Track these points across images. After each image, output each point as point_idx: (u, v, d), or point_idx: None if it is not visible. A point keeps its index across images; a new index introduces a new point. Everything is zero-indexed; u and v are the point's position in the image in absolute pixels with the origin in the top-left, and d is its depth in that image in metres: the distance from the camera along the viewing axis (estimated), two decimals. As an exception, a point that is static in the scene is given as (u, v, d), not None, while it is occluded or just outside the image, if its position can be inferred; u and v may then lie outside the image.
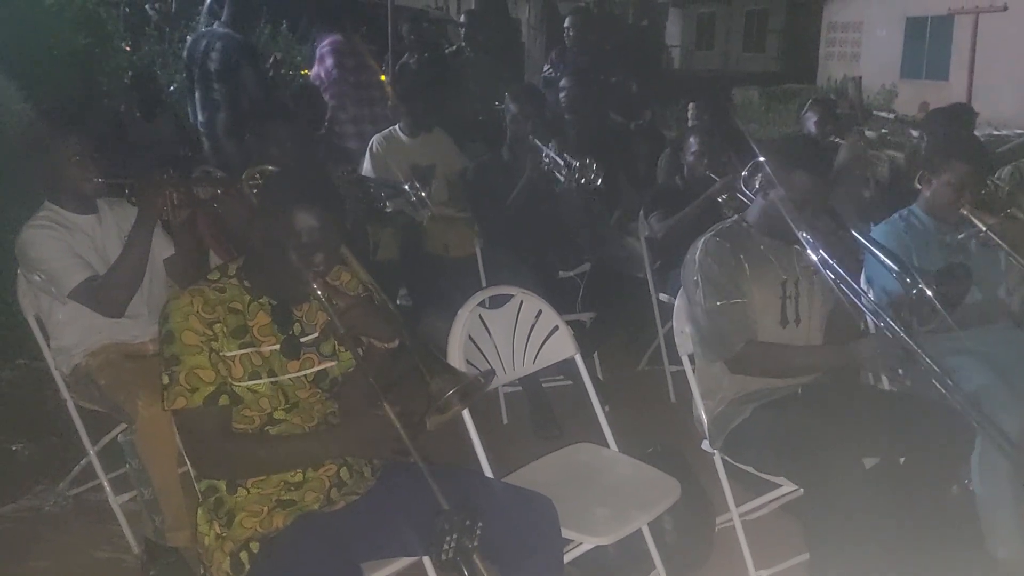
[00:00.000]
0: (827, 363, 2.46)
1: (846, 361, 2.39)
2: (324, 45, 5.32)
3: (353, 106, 5.22)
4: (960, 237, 2.82)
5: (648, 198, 3.97)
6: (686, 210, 3.67)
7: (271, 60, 5.69)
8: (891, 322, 2.11)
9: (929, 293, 2.23)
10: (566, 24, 5.94)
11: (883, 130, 9.75)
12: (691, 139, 3.89)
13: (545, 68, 6.18)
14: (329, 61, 5.23)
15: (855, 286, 2.25)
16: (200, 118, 4.87)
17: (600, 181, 3.58)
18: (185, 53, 5.10)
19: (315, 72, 5.38)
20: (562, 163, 3.59)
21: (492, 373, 2.07)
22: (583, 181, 3.58)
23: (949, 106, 4.50)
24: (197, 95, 4.86)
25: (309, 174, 2.04)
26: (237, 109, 4.70)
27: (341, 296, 1.88)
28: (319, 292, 1.78)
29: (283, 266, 1.80)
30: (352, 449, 1.88)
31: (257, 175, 2.84)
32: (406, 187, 3.47)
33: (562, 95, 4.76)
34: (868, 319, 2.73)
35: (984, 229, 2.71)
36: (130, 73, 6.20)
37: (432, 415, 1.78)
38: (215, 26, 4.85)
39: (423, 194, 3.47)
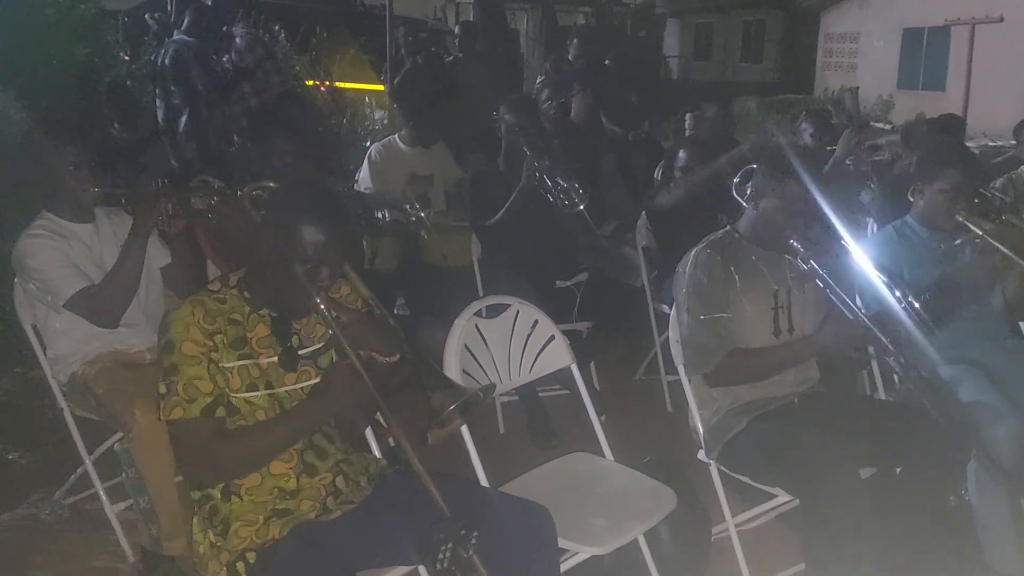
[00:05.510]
0: (799, 355, 2.42)
1: (816, 349, 2.38)
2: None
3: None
4: (956, 243, 2.83)
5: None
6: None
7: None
8: (879, 335, 2.11)
9: (917, 305, 2.24)
10: (572, 42, 6.01)
11: (880, 141, 9.75)
12: (680, 152, 3.85)
13: (539, 81, 6.21)
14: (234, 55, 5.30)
15: (844, 297, 2.25)
16: (162, 124, 5.03)
17: (583, 206, 3.60)
18: (151, 65, 5.37)
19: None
20: (550, 184, 3.61)
21: (492, 387, 2.07)
22: (566, 203, 3.60)
23: (937, 117, 4.54)
24: (160, 102, 5.09)
25: (316, 189, 2.05)
26: (196, 111, 4.91)
27: (343, 311, 1.88)
28: (322, 307, 1.79)
29: (287, 280, 1.81)
30: (325, 405, 1.85)
31: (258, 190, 2.84)
32: (406, 206, 3.51)
33: (544, 107, 4.77)
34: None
35: (981, 234, 2.72)
36: (128, 83, 6.20)
37: (433, 430, 1.79)
38: (174, 35, 5.17)
39: (422, 215, 3.50)
